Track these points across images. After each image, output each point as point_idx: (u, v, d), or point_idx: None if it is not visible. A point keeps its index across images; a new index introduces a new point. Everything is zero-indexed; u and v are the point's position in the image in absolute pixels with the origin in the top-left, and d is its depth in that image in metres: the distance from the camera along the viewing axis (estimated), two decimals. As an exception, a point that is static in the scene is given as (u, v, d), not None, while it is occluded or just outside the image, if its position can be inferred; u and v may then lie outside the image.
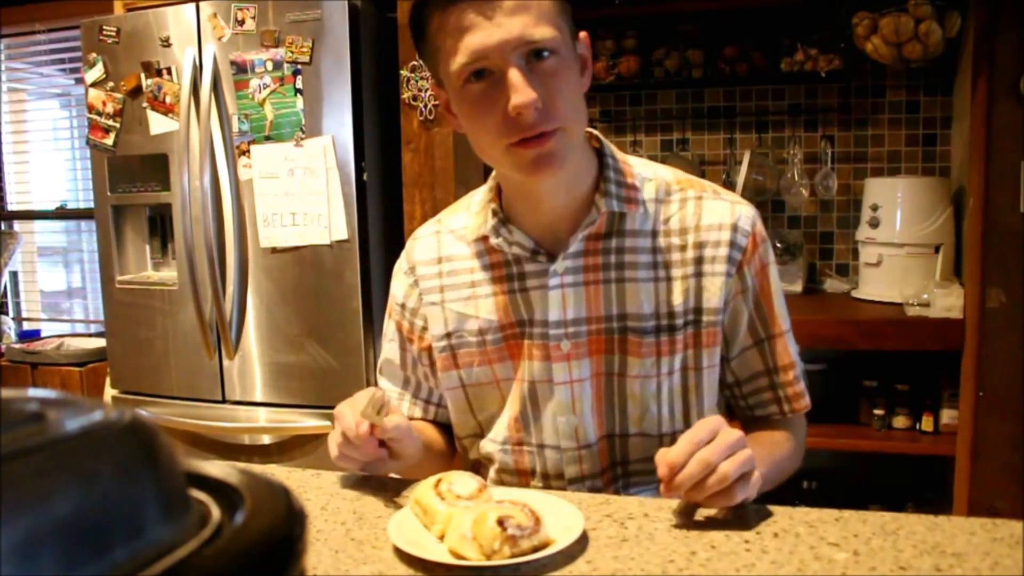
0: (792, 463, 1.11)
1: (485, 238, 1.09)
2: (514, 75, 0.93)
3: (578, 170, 1.04)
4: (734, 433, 0.89)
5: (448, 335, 1.13)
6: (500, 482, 1.15)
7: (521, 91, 0.92)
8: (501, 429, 1.13)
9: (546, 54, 0.94)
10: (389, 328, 1.22)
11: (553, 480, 1.11)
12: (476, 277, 1.12)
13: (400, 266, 1.20)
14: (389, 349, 1.23)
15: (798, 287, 2.64)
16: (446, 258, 1.15)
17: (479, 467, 1.20)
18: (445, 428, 1.23)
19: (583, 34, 1.03)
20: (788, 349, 1.11)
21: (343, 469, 1.04)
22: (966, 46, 2.28)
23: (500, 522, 0.80)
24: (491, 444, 1.14)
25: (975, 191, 2.13)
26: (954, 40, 2.34)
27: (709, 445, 0.87)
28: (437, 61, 0.99)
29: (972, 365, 2.15)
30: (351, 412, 0.97)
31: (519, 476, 1.14)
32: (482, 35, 0.92)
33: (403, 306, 1.19)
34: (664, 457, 0.87)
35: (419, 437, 1.07)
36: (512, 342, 1.10)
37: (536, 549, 0.81)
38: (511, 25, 0.92)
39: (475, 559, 0.80)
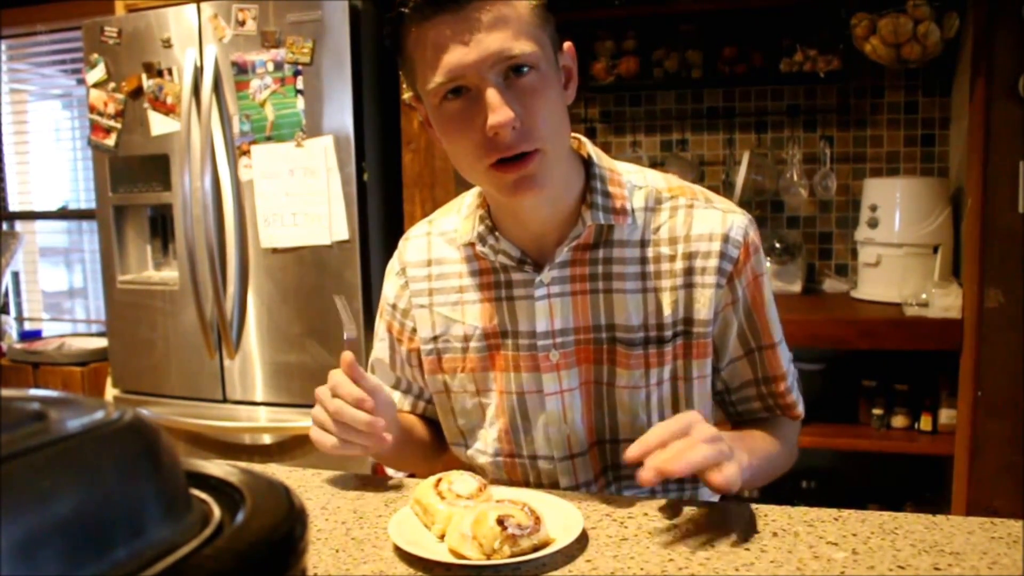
0: (782, 463, 1.11)
1: (472, 244, 1.08)
2: (491, 94, 0.90)
3: (563, 183, 1.02)
4: (706, 431, 0.87)
5: (435, 339, 1.13)
6: None
7: (498, 111, 0.90)
8: (491, 441, 1.12)
9: (525, 70, 0.91)
10: (380, 328, 1.22)
11: (546, 490, 1.11)
12: (464, 282, 1.11)
13: (392, 267, 1.20)
14: (380, 348, 1.23)
15: (797, 287, 2.65)
16: (435, 261, 1.14)
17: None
18: (434, 424, 1.22)
19: (567, 45, 1.00)
20: (779, 360, 1.09)
21: (341, 455, 1.02)
22: (964, 47, 2.29)
23: (500, 521, 0.81)
24: (482, 456, 1.14)
25: (973, 191, 2.13)
26: (952, 41, 2.34)
27: (667, 449, 0.85)
28: (415, 76, 0.97)
29: (970, 365, 2.16)
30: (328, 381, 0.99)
31: (513, 487, 1.13)
32: (459, 53, 0.90)
33: (394, 307, 1.18)
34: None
35: (393, 404, 1.06)
36: (496, 352, 1.09)
37: (536, 548, 0.81)
38: (489, 41, 0.89)
39: (475, 558, 0.80)
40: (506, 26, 0.90)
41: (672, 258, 1.04)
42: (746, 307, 1.06)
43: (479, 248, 1.07)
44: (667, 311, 1.04)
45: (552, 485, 1.10)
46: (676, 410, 1.07)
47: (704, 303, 1.03)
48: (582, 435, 1.08)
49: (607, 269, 1.04)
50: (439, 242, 1.15)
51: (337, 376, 1.01)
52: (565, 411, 1.07)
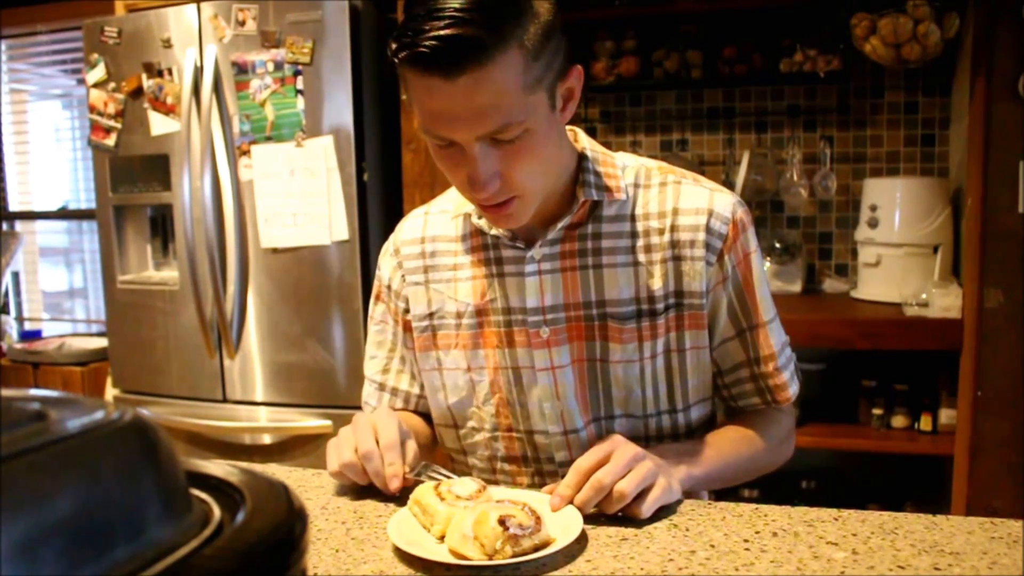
0: (767, 459, 1.12)
1: (468, 216, 1.10)
2: (475, 163, 0.92)
3: (551, 176, 1.02)
4: (629, 451, 0.92)
5: (430, 315, 1.14)
6: (491, 470, 1.15)
7: (478, 182, 0.92)
8: (488, 417, 1.13)
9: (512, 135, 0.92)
10: (377, 311, 1.22)
11: (545, 464, 1.12)
12: (459, 260, 1.13)
13: (386, 248, 1.21)
14: (378, 331, 1.22)
15: (797, 287, 2.65)
16: (430, 238, 1.15)
17: (451, 460, 1.20)
18: (427, 418, 1.23)
19: (576, 69, 0.97)
20: (770, 340, 1.10)
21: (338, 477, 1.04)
22: (964, 47, 2.29)
23: (502, 521, 0.80)
24: (477, 434, 1.14)
25: (973, 191, 2.13)
26: (952, 41, 2.34)
27: (604, 467, 0.91)
28: (411, 106, 0.97)
29: (970, 365, 2.16)
30: (377, 457, 0.97)
31: (510, 463, 1.14)
32: (448, 123, 0.90)
33: (389, 287, 1.19)
34: (557, 490, 0.92)
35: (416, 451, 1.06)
36: (487, 329, 1.10)
37: (537, 548, 0.81)
38: (478, 123, 0.89)
39: (477, 559, 0.80)
40: (497, 108, 0.88)
41: (661, 231, 1.06)
42: (736, 285, 1.07)
43: (475, 219, 1.08)
44: (658, 283, 1.05)
45: (548, 460, 1.11)
46: (670, 382, 1.09)
47: (693, 276, 1.05)
48: (576, 412, 1.08)
49: (596, 244, 1.06)
50: (436, 220, 1.17)
51: (370, 444, 0.99)
52: (557, 387, 1.08)
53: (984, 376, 2.15)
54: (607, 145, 1.17)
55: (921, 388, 2.38)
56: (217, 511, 0.44)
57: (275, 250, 2.43)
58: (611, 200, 1.06)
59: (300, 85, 2.35)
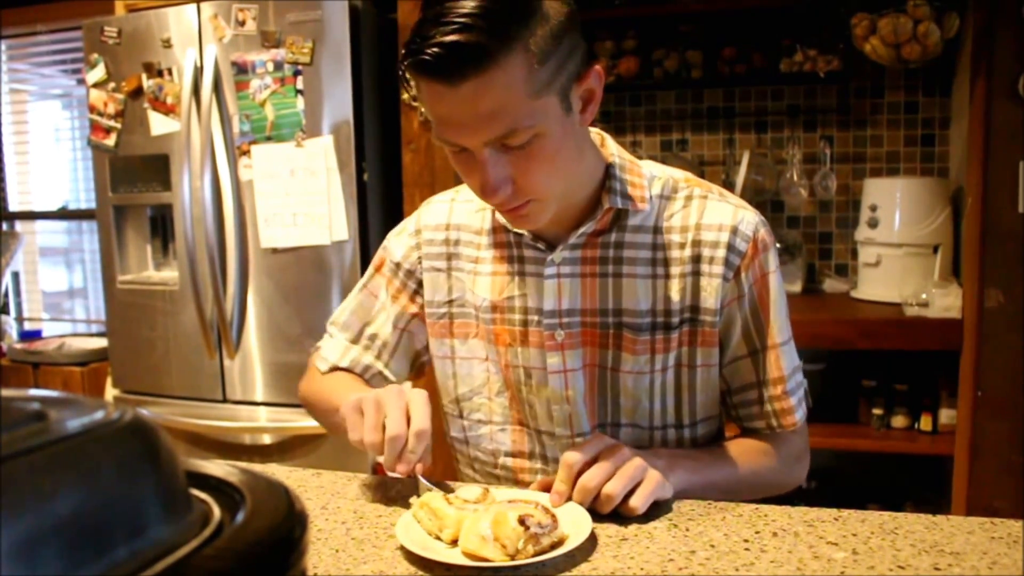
0: (774, 478, 1.11)
1: (494, 211, 1.09)
2: (484, 168, 0.91)
3: (571, 179, 1.01)
4: (615, 451, 0.93)
5: (450, 302, 1.14)
6: (493, 464, 1.15)
7: (488, 188, 0.92)
8: (500, 409, 1.13)
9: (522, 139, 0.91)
10: (373, 283, 1.21)
11: (551, 463, 1.12)
12: (481, 254, 1.12)
13: (405, 226, 1.20)
14: (362, 298, 1.21)
15: (797, 287, 2.65)
16: (455, 227, 1.15)
17: (453, 449, 1.20)
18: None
19: (596, 69, 0.96)
20: (780, 363, 1.09)
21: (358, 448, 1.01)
22: (964, 47, 2.29)
23: (522, 521, 0.80)
24: (484, 426, 1.14)
25: (973, 191, 2.14)
26: (952, 41, 2.34)
27: (590, 471, 0.91)
28: (424, 107, 0.99)
29: (970, 365, 2.16)
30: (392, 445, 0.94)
31: (515, 458, 1.14)
32: (455, 130, 0.90)
33: (398, 265, 1.18)
34: (554, 487, 0.93)
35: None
36: (503, 325, 1.10)
37: (554, 546, 0.81)
38: (484, 129, 0.89)
39: (498, 560, 0.79)
40: (502, 114, 0.88)
41: (682, 246, 1.05)
42: (752, 304, 1.07)
43: (499, 216, 1.07)
44: (675, 298, 1.05)
45: (554, 461, 1.11)
46: (678, 396, 1.08)
47: (711, 292, 1.04)
48: (584, 416, 1.08)
49: (618, 253, 1.06)
50: (462, 209, 1.16)
51: (401, 428, 0.95)
52: (567, 390, 1.07)
53: (984, 376, 2.15)
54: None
55: (921, 388, 2.38)
56: (217, 511, 0.44)
57: (275, 250, 2.43)
58: (635, 210, 1.05)
59: (300, 85, 2.35)
